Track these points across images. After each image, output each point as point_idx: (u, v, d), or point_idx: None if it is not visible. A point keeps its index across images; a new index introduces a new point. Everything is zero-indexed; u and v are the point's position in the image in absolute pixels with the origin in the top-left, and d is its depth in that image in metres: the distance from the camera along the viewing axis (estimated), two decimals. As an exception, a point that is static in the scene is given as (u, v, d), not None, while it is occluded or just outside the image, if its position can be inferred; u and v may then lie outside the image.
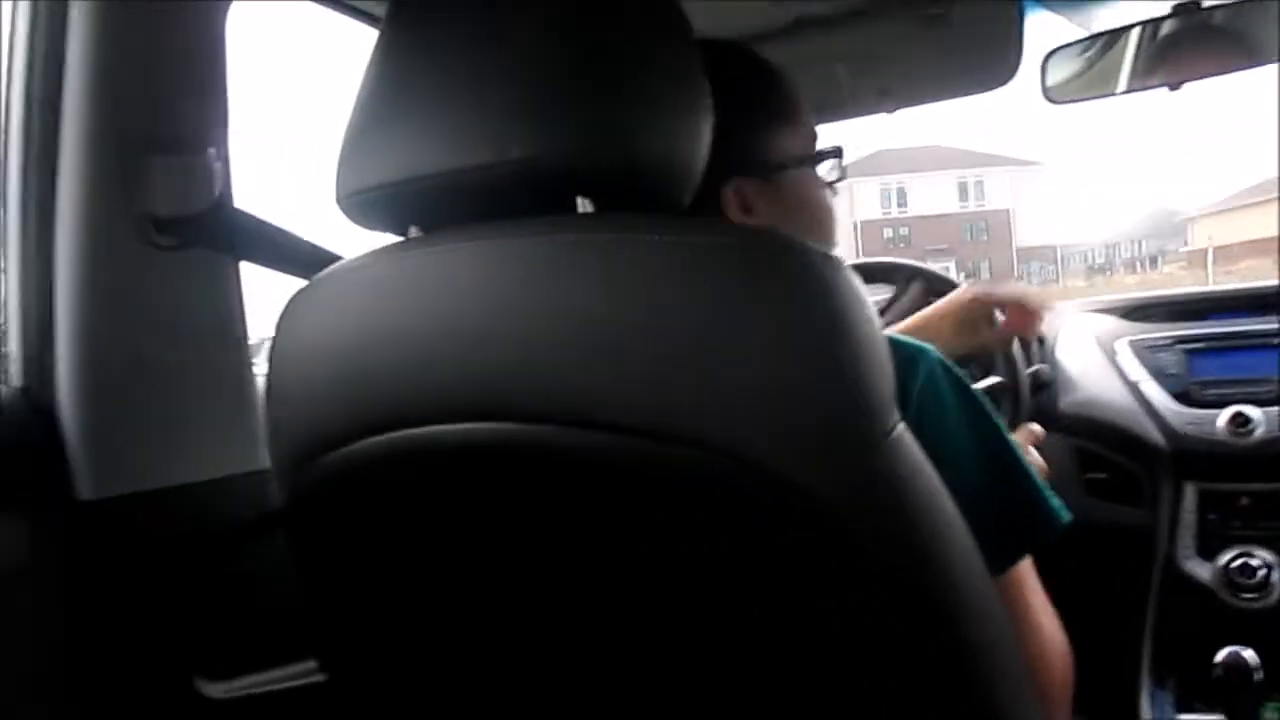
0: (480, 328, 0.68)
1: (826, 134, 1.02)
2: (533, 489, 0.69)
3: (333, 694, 0.96)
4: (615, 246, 0.66)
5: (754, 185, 0.95)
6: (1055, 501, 0.87)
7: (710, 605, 0.68)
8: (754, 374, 0.63)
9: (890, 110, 1.67)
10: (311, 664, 1.17)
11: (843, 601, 0.67)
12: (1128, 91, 1.67)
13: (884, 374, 0.67)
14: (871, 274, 1.82)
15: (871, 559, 0.65)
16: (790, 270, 0.65)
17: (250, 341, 1.20)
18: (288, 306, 0.81)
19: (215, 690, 1.15)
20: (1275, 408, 1.69)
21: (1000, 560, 0.83)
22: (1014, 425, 1.59)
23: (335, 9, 1.23)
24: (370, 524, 0.78)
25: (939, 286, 1.74)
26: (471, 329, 0.69)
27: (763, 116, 0.97)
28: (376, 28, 0.79)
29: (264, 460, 1.12)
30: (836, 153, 1.00)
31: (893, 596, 0.65)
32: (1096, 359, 1.90)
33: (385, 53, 0.77)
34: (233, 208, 1.15)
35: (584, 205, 0.71)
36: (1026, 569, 0.88)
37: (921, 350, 0.85)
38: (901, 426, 0.67)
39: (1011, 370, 1.70)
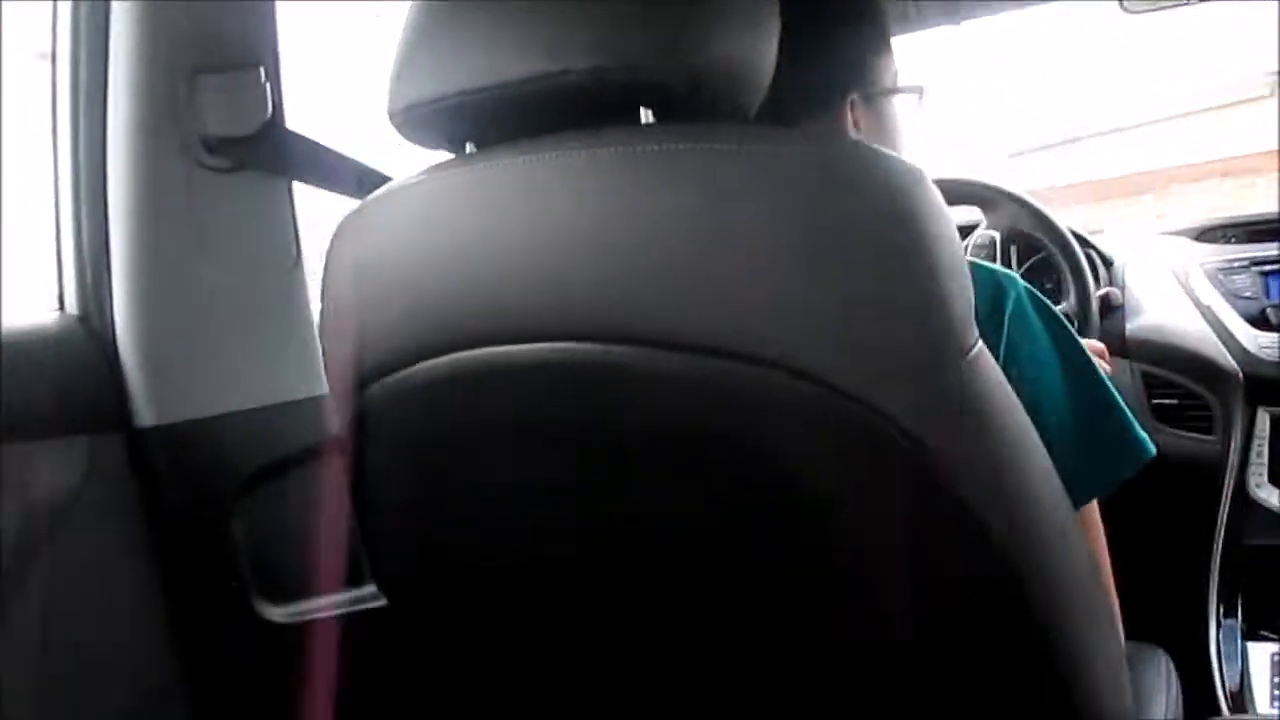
0: (553, 244, 0.66)
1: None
2: (609, 411, 0.67)
3: (391, 619, 0.96)
4: (689, 156, 0.63)
5: (862, 106, 0.95)
6: (1141, 432, 0.86)
7: (786, 525, 0.66)
8: (832, 290, 0.60)
9: (957, 22, 1.61)
10: (371, 589, 1.17)
11: (923, 523, 0.65)
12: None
13: (964, 292, 0.64)
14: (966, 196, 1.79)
15: (952, 479, 0.62)
16: (871, 182, 0.62)
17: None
18: (341, 227, 0.78)
19: (276, 614, 1.16)
20: None
21: (1087, 490, 0.83)
22: None
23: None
24: (432, 448, 0.77)
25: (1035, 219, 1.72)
26: (544, 245, 0.66)
27: (872, 43, 0.97)
28: None
29: (322, 386, 1.12)
30: (920, 90, 1.00)
31: (973, 518, 0.63)
32: (1168, 282, 1.84)
33: None
34: (284, 128, 1.12)
35: (647, 116, 0.68)
36: (1097, 514, 0.88)
37: (1010, 277, 0.84)
38: (980, 345, 0.64)
39: (1082, 292, 1.66)
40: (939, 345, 0.62)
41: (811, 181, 0.62)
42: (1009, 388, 0.67)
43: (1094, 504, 0.87)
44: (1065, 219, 1.81)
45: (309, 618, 1.17)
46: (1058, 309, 1.64)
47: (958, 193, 1.78)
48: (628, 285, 0.63)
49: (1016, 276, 0.85)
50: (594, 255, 0.64)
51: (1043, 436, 0.70)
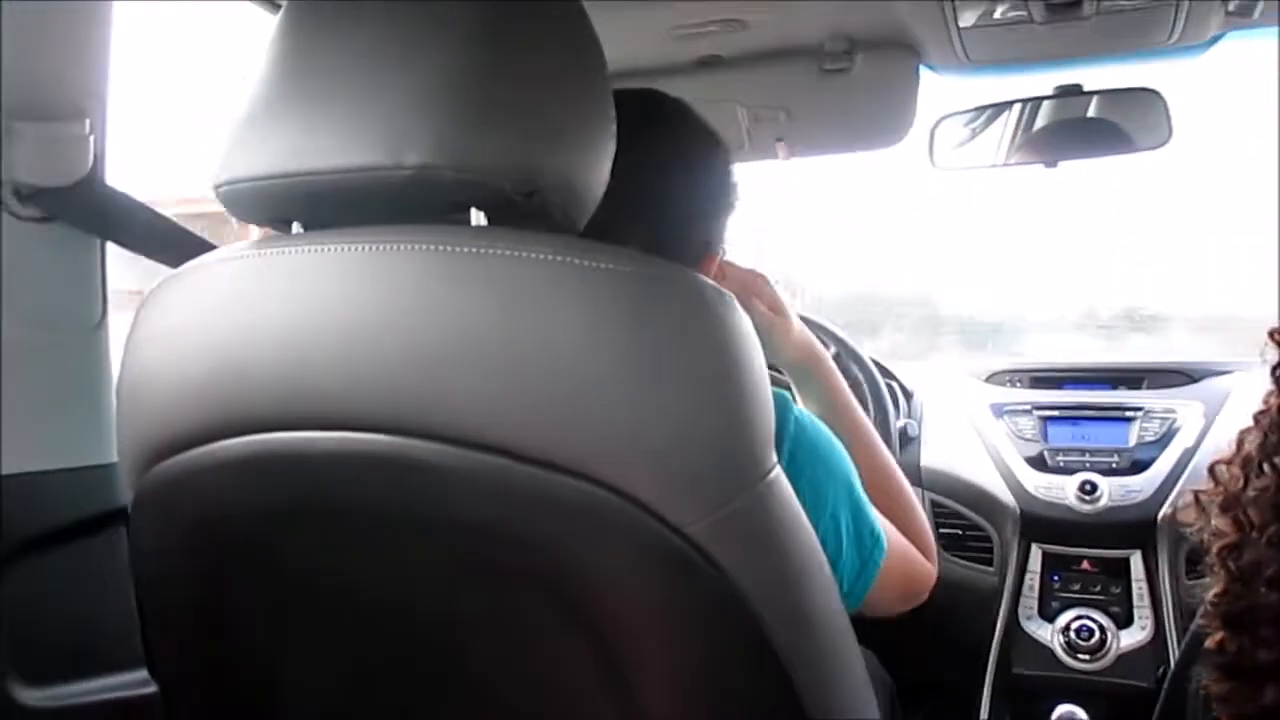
0: (365, 335, 0.66)
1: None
2: (406, 504, 0.67)
3: (163, 707, 0.90)
4: (509, 263, 0.64)
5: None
6: (879, 526, 0.96)
7: (575, 630, 0.67)
8: (642, 408, 0.62)
9: (785, 158, 1.69)
10: (142, 674, 1.10)
11: (711, 636, 0.67)
12: (1007, 165, 1.73)
13: (767, 416, 0.67)
14: None
15: (742, 598, 0.65)
16: (686, 305, 0.65)
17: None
18: (153, 293, 0.76)
19: (32, 697, 1.07)
20: (1120, 478, 1.77)
21: (862, 584, 0.93)
22: None
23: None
24: (223, 529, 0.74)
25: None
26: (355, 335, 0.66)
27: (726, 206, 1.03)
28: (273, 12, 0.76)
29: (114, 453, 1.06)
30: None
31: (758, 633, 0.66)
32: (959, 419, 1.96)
33: (284, 38, 0.74)
34: (104, 184, 1.08)
35: (478, 218, 0.70)
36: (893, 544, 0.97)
37: (785, 398, 0.90)
38: (778, 469, 0.68)
39: (884, 420, 1.74)
40: (739, 469, 0.65)
41: (625, 299, 0.64)
42: (800, 509, 0.70)
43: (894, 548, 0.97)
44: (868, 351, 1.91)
45: (71, 703, 1.09)
46: None
47: None
48: (436, 383, 0.63)
49: (787, 396, 0.91)
50: (405, 351, 0.64)
51: (824, 547, 0.75)
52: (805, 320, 1.84)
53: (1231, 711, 0.66)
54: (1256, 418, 0.67)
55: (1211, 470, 0.70)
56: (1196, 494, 0.71)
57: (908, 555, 1.02)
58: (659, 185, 0.90)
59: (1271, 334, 0.67)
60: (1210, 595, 0.67)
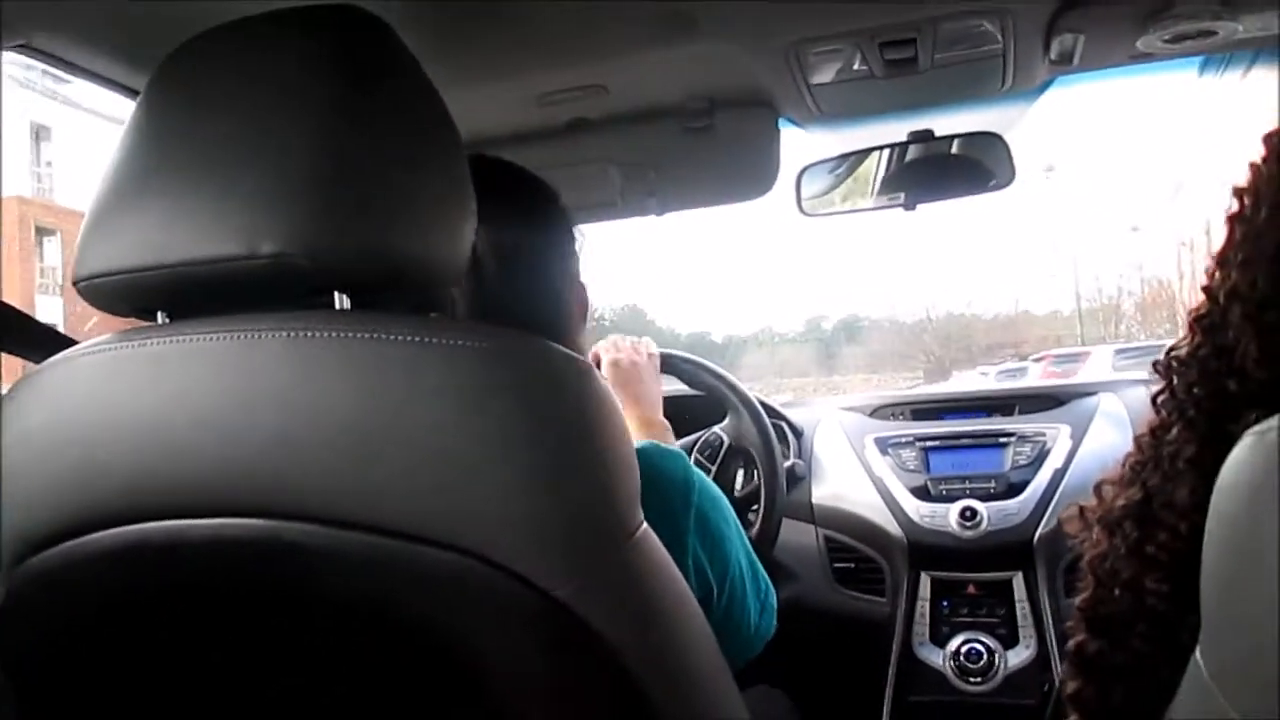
0: (230, 421, 0.67)
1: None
2: (282, 588, 0.68)
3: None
4: (368, 345, 0.66)
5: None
6: (765, 576, 1.02)
7: (458, 700, 0.68)
8: (501, 477, 0.64)
9: (659, 213, 1.74)
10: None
11: (590, 698, 0.68)
12: (872, 209, 1.81)
13: (629, 476, 0.69)
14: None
15: (616, 656, 0.66)
16: (541, 375, 0.68)
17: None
18: (14, 389, 0.76)
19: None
20: (997, 502, 1.84)
21: (765, 624, 0.99)
22: (769, 520, 1.67)
23: (92, 81, 1.18)
24: (99, 619, 0.74)
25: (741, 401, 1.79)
26: (221, 422, 0.67)
27: (572, 240, 1.07)
28: (133, 99, 0.77)
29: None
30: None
31: (636, 691, 0.67)
32: (846, 454, 2.01)
33: (138, 130, 0.75)
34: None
35: (341, 301, 0.71)
36: None
37: (686, 463, 0.96)
38: (645, 527, 0.70)
39: (771, 468, 1.73)
40: (604, 532, 0.67)
41: (482, 373, 0.66)
42: (671, 564, 0.73)
43: None
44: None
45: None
46: (749, 487, 1.75)
47: (702, 383, 1.81)
48: (303, 466, 0.65)
49: (688, 461, 0.96)
50: (272, 435, 0.66)
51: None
52: (689, 361, 1.87)
53: (1081, 711, 0.70)
54: (1136, 439, 0.72)
55: (1097, 488, 0.74)
56: (1081, 508, 0.75)
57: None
58: (513, 248, 0.95)
59: (1154, 364, 0.72)
60: (1079, 601, 0.71)
